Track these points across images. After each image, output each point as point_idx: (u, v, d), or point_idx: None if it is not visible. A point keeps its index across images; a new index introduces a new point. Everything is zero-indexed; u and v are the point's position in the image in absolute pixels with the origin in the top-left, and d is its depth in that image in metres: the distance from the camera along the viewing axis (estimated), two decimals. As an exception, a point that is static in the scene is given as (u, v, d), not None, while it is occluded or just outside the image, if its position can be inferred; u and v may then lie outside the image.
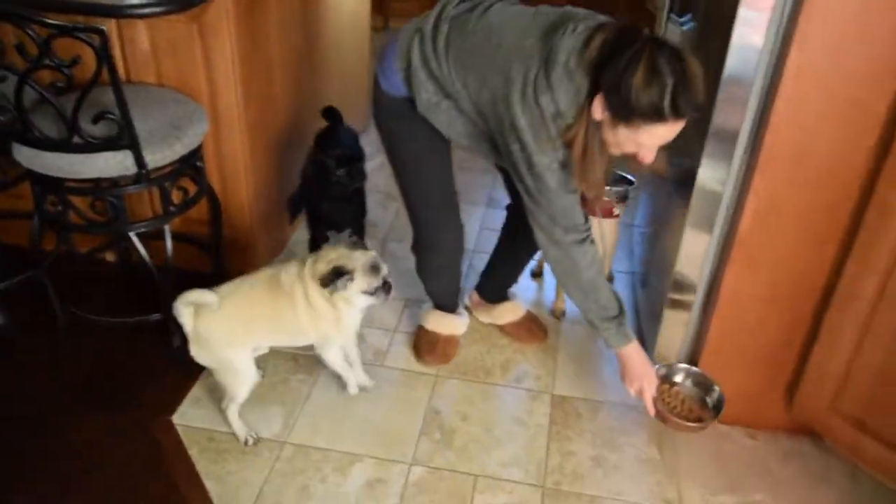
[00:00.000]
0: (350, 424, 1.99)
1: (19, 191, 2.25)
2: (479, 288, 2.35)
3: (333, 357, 1.99)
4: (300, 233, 2.72)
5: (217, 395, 2.04)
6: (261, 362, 2.15)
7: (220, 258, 2.31)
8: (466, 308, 2.35)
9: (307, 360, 2.17)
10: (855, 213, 1.63)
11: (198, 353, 1.86)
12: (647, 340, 2.24)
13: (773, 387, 1.95)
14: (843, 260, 1.67)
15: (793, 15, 1.49)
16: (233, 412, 1.92)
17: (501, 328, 2.32)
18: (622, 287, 2.55)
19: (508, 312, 2.30)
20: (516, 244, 2.20)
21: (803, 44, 1.48)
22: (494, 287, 2.32)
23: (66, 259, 2.35)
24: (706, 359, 1.94)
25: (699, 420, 1.85)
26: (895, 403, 1.70)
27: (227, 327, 1.83)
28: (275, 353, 2.19)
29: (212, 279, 2.24)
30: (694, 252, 1.87)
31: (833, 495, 1.87)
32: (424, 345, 2.21)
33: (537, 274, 2.61)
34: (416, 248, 2.09)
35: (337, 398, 2.06)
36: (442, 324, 2.22)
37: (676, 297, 1.97)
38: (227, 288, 1.86)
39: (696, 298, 1.94)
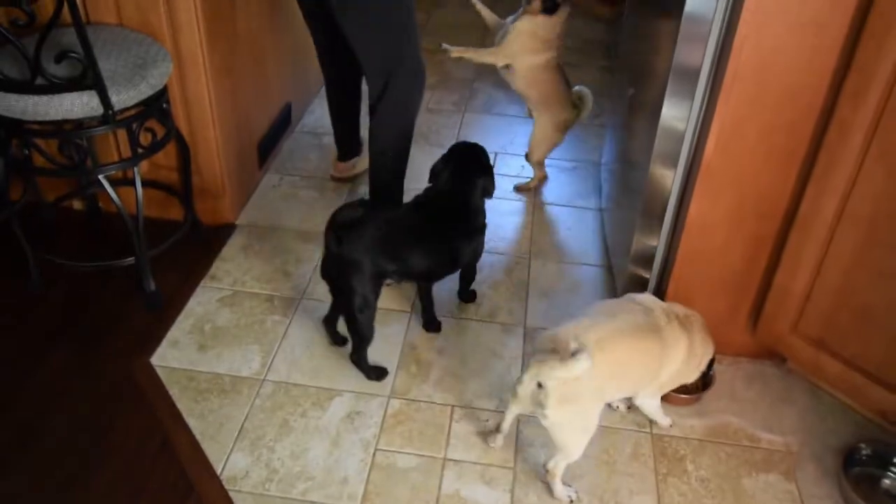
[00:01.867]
0: (328, 361, 2.02)
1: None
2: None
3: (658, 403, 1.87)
4: (269, 177, 2.71)
5: (195, 337, 2.06)
6: (235, 304, 2.17)
7: (190, 204, 2.31)
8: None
9: (282, 302, 2.19)
10: (816, 133, 1.67)
11: (560, 413, 1.60)
12: (615, 274, 2.30)
13: (737, 312, 2.01)
14: (805, 182, 1.72)
15: (753, -61, 1.51)
16: (562, 471, 1.69)
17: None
18: (590, 223, 2.59)
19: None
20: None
21: (765, -35, 1.50)
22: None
23: (34, 208, 2.33)
24: (673, 287, 1.99)
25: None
26: (853, 322, 1.78)
27: (600, 382, 1.62)
28: (250, 294, 2.21)
29: (182, 227, 2.24)
30: (659, 185, 1.91)
31: (795, 413, 1.96)
32: None
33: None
34: (417, 74, 2.22)
35: (313, 337, 2.09)
36: None
37: (644, 230, 2.01)
38: (586, 336, 1.58)
39: (663, 230, 1.99)
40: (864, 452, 1.81)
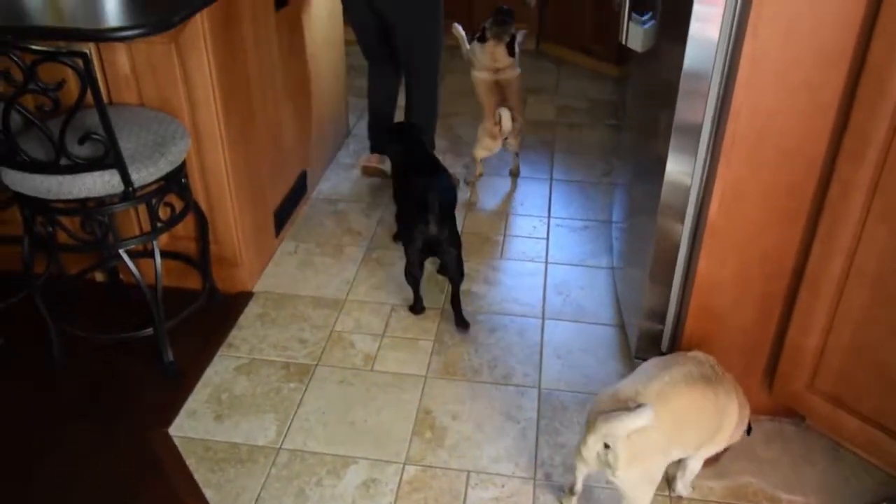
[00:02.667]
0: (343, 429, 2.03)
1: (8, 216, 2.29)
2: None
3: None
4: (286, 244, 2.77)
5: (212, 406, 2.08)
6: (251, 372, 2.20)
7: (208, 273, 2.36)
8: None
9: (298, 369, 2.22)
10: (818, 193, 1.69)
11: (630, 471, 1.60)
12: (629, 333, 2.31)
13: (753, 369, 2.01)
14: (811, 240, 1.74)
15: (744, 8, 1.56)
16: None
17: None
18: (603, 282, 2.61)
19: None
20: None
21: (755, 34, 1.55)
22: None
23: (57, 281, 2.40)
24: (686, 345, 1.99)
25: None
26: (869, 379, 1.77)
27: (664, 435, 1.62)
28: (266, 362, 2.23)
29: (199, 296, 2.29)
30: (668, 243, 1.94)
31: (816, 472, 1.93)
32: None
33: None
34: (437, 79, 3.03)
35: (328, 404, 2.11)
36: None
37: (654, 288, 2.03)
38: (646, 390, 1.64)
39: (674, 288, 2.00)
40: (887, 512, 1.78)
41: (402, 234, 2.54)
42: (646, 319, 2.13)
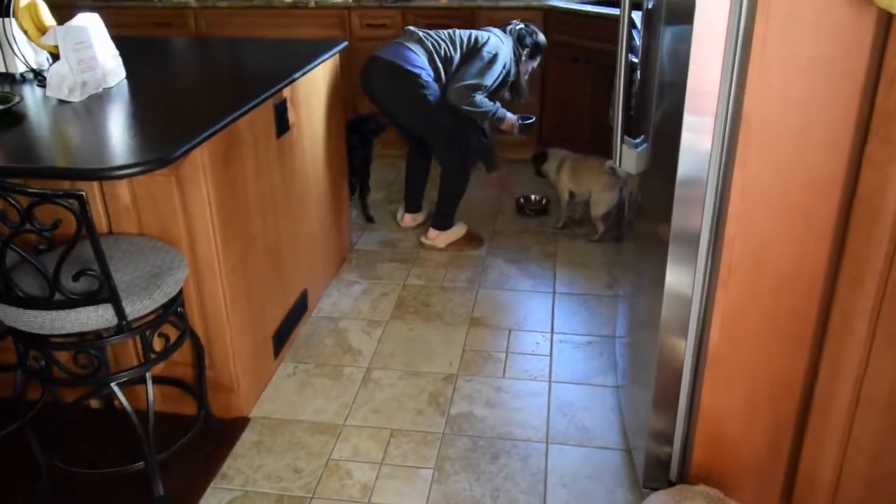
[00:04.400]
0: (338, 567, 1.93)
1: (6, 344, 2.27)
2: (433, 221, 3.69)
3: None
4: (285, 366, 2.73)
5: (201, 544, 1.99)
6: (246, 506, 2.12)
7: (204, 400, 2.32)
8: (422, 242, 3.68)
9: (293, 502, 2.13)
10: (821, 317, 1.66)
11: None
12: (635, 458, 2.23)
13: (766, 499, 1.91)
14: (818, 364, 1.69)
15: (733, 132, 1.58)
16: None
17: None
18: (608, 401, 2.54)
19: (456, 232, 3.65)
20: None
21: (745, 162, 1.56)
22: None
23: (52, 409, 2.36)
24: (695, 474, 1.91)
25: None
26: (888, 509, 1.68)
27: None
28: (260, 495, 2.16)
29: (194, 424, 2.24)
30: (671, 362, 1.89)
31: None
32: (471, 241, 3.64)
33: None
34: (467, 164, 3.52)
35: (324, 540, 2.02)
36: (459, 230, 3.65)
37: (659, 412, 1.97)
38: None
39: (679, 413, 1.94)
40: None
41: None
42: (652, 443, 2.05)
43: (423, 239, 3.65)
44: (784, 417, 1.80)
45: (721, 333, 1.73)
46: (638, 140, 2.16)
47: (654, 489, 1.95)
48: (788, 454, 1.85)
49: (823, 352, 1.66)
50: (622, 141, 2.15)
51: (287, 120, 2.67)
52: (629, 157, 2.14)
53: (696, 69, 1.58)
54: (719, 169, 1.64)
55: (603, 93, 3.95)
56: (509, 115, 3.52)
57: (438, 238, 3.61)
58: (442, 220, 3.60)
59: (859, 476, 1.69)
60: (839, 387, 1.64)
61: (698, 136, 1.64)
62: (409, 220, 3.84)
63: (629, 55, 2.04)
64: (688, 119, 1.63)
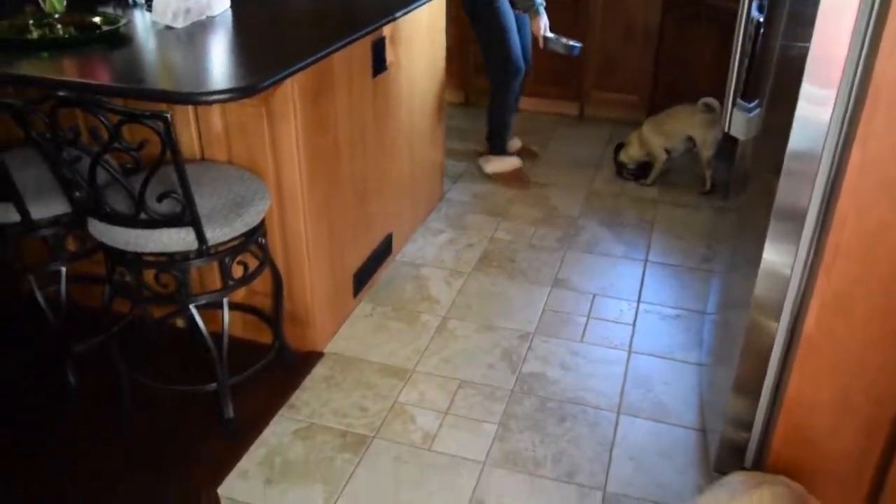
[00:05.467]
0: (391, 510, 1.94)
1: (98, 257, 2.38)
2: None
3: None
4: (363, 306, 2.74)
5: (264, 469, 2.05)
6: (308, 438, 2.15)
7: (279, 331, 2.36)
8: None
9: (354, 439, 2.15)
10: (934, 318, 1.49)
11: None
12: (709, 440, 2.11)
13: (851, 502, 1.77)
14: (923, 368, 1.53)
15: (858, 100, 1.41)
16: None
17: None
18: (689, 378, 2.41)
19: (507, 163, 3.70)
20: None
21: (868, 135, 1.40)
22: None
23: (140, 324, 2.46)
24: (773, 468, 1.79)
25: None
26: None
27: None
28: (325, 428, 2.19)
29: (268, 353, 2.28)
30: (759, 344, 1.76)
31: None
32: (515, 180, 3.63)
33: None
34: (508, 74, 3.43)
35: (381, 480, 2.03)
36: (511, 162, 3.68)
37: (740, 396, 1.85)
38: None
39: (762, 400, 1.81)
40: None
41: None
42: (730, 428, 1.93)
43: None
44: (879, 420, 1.64)
45: (818, 322, 1.58)
46: (752, 105, 1.99)
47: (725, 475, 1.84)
48: (879, 459, 1.69)
49: (934, 353, 1.49)
50: (734, 104, 1.99)
51: (384, 59, 2.62)
52: (739, 122, 1.98)
53: (821, 32, 1.42)
54: (837, 143, 1.47)
55: (726, 56, 3.69)
56: (544, 15, 3.48)
57: (488, 162, 3.69)
58: (491, 143, 3.67)
59: (959, 492, 1.53)
60: (947, 393, 1.48)
61: (817, 108, 1.47)
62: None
63: (751, 11, 1.86)
64: (806, 88, 1.47)
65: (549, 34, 3.48)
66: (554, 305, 2.77)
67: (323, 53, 2.12)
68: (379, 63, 2.58)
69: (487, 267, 3.01)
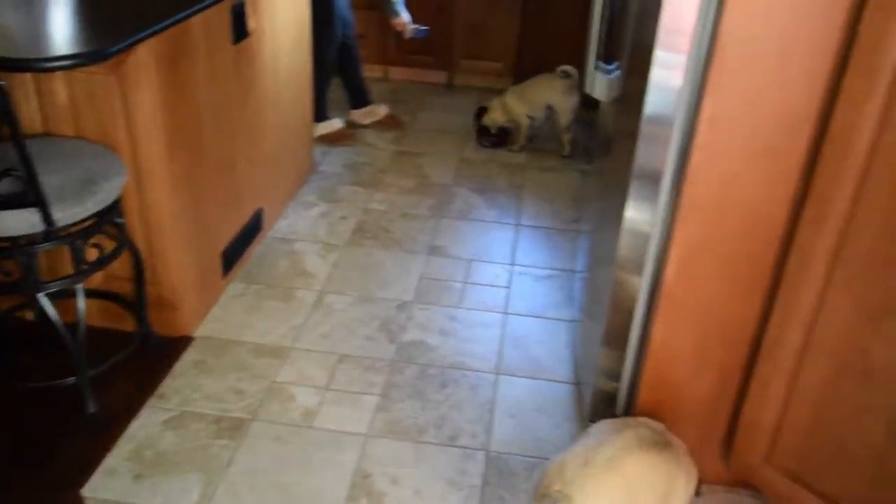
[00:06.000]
0: (273, 492, 1.89)
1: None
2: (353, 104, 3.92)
3: None
4: (234, 286, 2.64)
5: (132, 464, 1.94)
6: (180, 427, 2.06)
7: (143, 316, 2.23)
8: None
9: (231, 423, 2.08)
10: (778, 262, 1.61)
11: None
12: (583, 392, 2.20)
13: (709, 441, 1.90)
14: (770, 311, 1.65)
15: (707, 61, 1.48)
16: None
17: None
18: (563, 335, 2.50)
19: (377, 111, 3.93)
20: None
21: (716, 93, 1.47)
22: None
23: (-17, 318, 2.26)
24: (641, 412, 1.88)
25: None
26: (829, 458, 1.66)
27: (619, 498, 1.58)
28: (197, 416, 2.10)
29: (132, 341, 2.16)
30: (624, 299, 1.84)
31: (774, 551, 1.82)
32: (343, 139, 3.76)
33: None
34: (324, 42, 3.43)
35: (262, 463, 1.97)
36: (332, 124, 3.76)
37: (610, 348, 1.93)
38: (597, 456, 1.59)
39: (629, 351, 1.90)
40: None
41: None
42: (601, 379, 2.02)
43: None
44: (732, 362, 1.76)
45: (676, 272, 1.67)
46: (612, 67, 2.06)
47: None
48: (734, 399, 1.82)
49: (777, 296, 1.60)
50: (595, 67, 2.05)
51: (245, 25, 2.51)
52: (601, 83, 2.04)
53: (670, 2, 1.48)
54: (689, 103, 1.55)
55: (587, 19, 3.79)
56: (405, 12, 3.78)
57: (315, 129, 3.66)
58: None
59: (801, 424, 1.67)
60: (789, 331, 1.60)
61: (669, 72, 1.54)
62: (357, 114, 3.96)
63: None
64: (659, 55, 1.53)
65: (412, 26, 3.80)
66: (430, 273, 2.78)
67: (179, 17, 2.00)
68: (240, 29, 2.47)
69: (362, 238, 2.98)
